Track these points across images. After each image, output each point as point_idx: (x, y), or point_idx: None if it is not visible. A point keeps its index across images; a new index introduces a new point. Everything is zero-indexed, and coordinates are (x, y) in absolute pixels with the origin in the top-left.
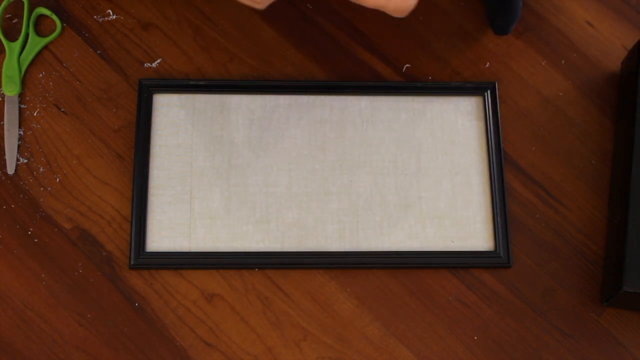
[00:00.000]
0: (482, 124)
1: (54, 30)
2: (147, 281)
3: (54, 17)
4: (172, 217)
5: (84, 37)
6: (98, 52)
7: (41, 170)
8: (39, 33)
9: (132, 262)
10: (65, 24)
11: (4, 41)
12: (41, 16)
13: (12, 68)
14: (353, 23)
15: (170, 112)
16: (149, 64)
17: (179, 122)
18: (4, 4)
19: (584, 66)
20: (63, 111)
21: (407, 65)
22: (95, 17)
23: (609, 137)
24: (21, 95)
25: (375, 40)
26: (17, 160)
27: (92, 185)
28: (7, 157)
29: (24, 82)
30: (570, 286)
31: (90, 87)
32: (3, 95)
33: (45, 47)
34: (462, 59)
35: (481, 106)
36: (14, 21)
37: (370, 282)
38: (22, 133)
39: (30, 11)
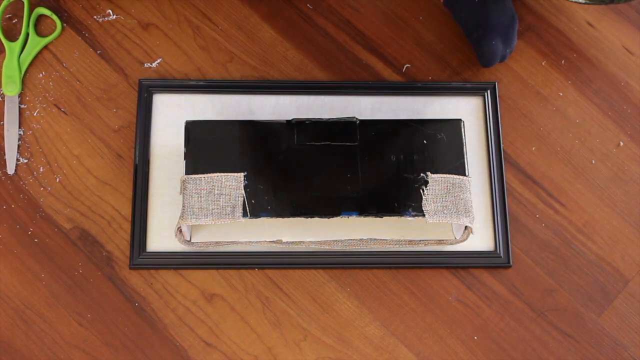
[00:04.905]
0: (482, 124)
1: (54, 30)
2: (147, 281)
3: (54, 17)
4: (172, 217)
5: (84, 37)
6: (98, 52)
7: (41, 170)
8: (39, 33)
9: (132, 262)
10: (65, 24)
11: (4, 41)
12: (41, 16)
13: (12, 68)
14: (353, 23)
15: (170, 112)
16: (149, 64)
17: (179, 122)
18: (4, 4)
19: (584, 66)
20: (63, 111)
21: (407, 65)
22: (95, 17)
23: (609, 137)
24: (21, 95)
25: (375, 40)
26: (17, 160)
27: (92, 185)
28: (7, 157)
29: (24, 82)
30: (570, 286)
31: (90, 87)
32: (3, 95)
33: (45, 47)
34: (462, 59)
35: (481, 106)
36: (14, 21)
37: (370, 282)
38: (22, 133)
39: (30, 11)
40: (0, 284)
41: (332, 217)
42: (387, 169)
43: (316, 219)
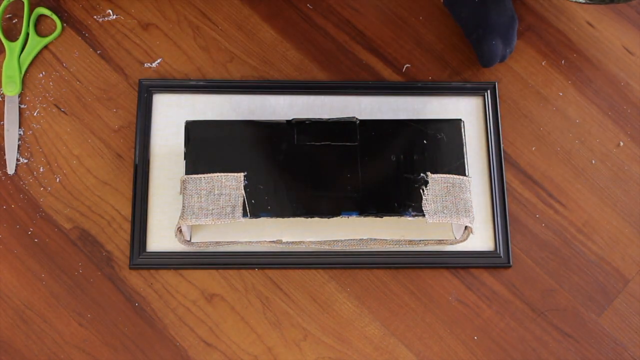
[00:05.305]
0: (482, 124)
1: (54, 30)
2: (147, 281)
3: (54, 17)
4: (172, 217)
5: (84, 37)
6: (98, 52)
7: (41, 170)
8: (39, 33)
9: (132, 262)
10: (65, 24)
11: (4, 41)
12: (41, 16)
13: (12, 68)
14: (353, 23)
15: (170, 112)
16: (149, 64)
17: (179, 122)
18: (4, 4)
19: (584, 66)
20: (63, 111)
21: (407, 65)
22: (95, 17)
23: (609, 137)
24: (21, 95)
25: (375, 40)
26: (17, 160)
27: (92, 185)
28: (7, 157)
29: (24, 82)
30: (570, 286)
31: (90, 87)
32: (3, 95)
33: (45, 47)
34: (462, 59)
35: (481, 106)
36: (14, 21)
37: (370, 282)
38: (22, 133)
39: (30, 11)
40: (0, 284)
41: (332, 217)
42: (387, 169)
43: (316, 219)
